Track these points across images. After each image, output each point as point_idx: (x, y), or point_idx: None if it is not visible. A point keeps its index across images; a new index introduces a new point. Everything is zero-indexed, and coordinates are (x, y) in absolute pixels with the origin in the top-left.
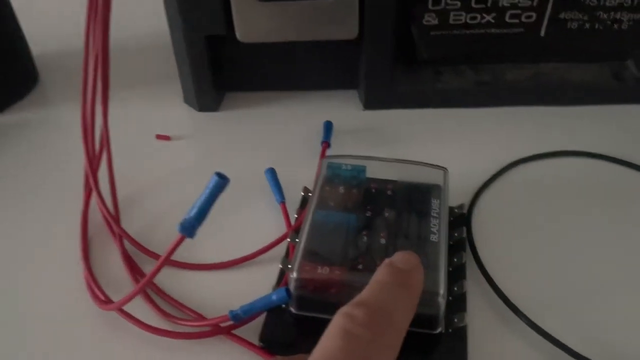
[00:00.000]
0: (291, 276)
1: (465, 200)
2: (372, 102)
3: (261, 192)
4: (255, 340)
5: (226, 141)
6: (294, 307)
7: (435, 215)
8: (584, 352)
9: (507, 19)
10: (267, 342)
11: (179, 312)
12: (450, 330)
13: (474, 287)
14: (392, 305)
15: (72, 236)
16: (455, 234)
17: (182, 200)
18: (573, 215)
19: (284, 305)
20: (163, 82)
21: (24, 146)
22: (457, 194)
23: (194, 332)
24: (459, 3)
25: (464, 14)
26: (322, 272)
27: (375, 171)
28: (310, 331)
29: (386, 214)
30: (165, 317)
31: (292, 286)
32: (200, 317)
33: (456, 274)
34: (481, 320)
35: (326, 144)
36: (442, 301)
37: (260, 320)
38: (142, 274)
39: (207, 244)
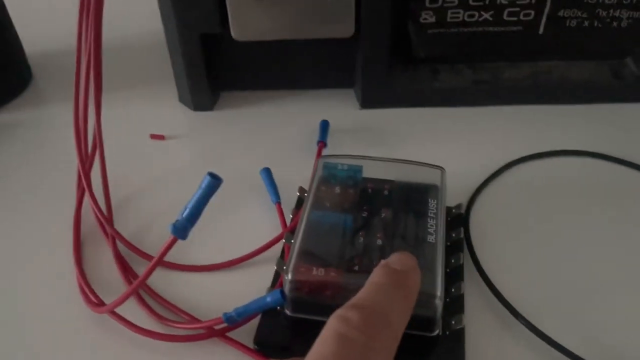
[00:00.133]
0: (286, 278)
1: (463, 200)
2: (368, 101)
3: (256, 192)
4: (249, 343)
5: (221, 141)
6: (289, 309)
7: (432, 215)
8: (583, 355)
9: (505, 17)
10: (262, 345)
11: (173, 315)
12: (447, 332)
13: (471, 289)
14: (388, 307)
15: (65, 237)
16: (453, 235)
17: (176, 201)
18: (572, 216)
19: (278, 308)
20: (157, 81)
21: (17, 146)
22: (454, 194)
23: (187, 334)
24: (456, 1)
25: (461, 11)
26: (318, 273)
27: (371, 171)
28: (305, 334)
29: (383, 215)
30: (158, 320)
31: (286, 288)
32: (194, 319)
33: (453, 275)
34: (479, 322)
35: (322, 143)
36: (439, 303)
37: (255, 322)
38: (135, 276)
39: (201, 245)
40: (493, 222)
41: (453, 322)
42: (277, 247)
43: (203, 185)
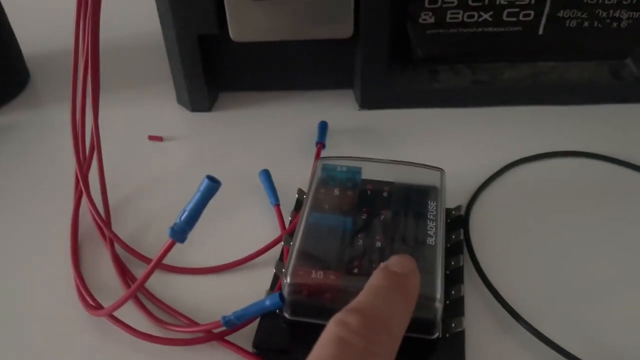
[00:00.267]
0: (285, 281)
1: (463, 201)
2: (367, 102)
3: (255, 194)
4: (248, 347)
5: (219, 142)
6: (288, 312)
7: (432, 217)
8: (584, 357)
9: (504, 17)
10: (261, 348)
11: (171, 318)
12: (447, 335)
13: (471, 291)
14: (387, 311)
15: (64, 238)
16: (453, 236)
17: (175, 202)
18: (573, 217)
19: (277, 311)
20: (155, 82)
21: (14, 147)
22: (454, 195)
23: (186, 338)
24: (456, 1)
25: (461, 12)
26: (317, 276)
27: (370, 172)
28: (304, 337)
29: (382, 217)
30: (156, 323)
31: (285, 291)
32: (193, 322)
33: (453, 278)
34: (479, 324)
35: (321, 144)
36: (439, 306)
37: (254, 325)
38: (134, 279)
39: (200, 247)
40: (493, 223)
41: (453, 325)
42: (276, 250)
43: (201, 189)
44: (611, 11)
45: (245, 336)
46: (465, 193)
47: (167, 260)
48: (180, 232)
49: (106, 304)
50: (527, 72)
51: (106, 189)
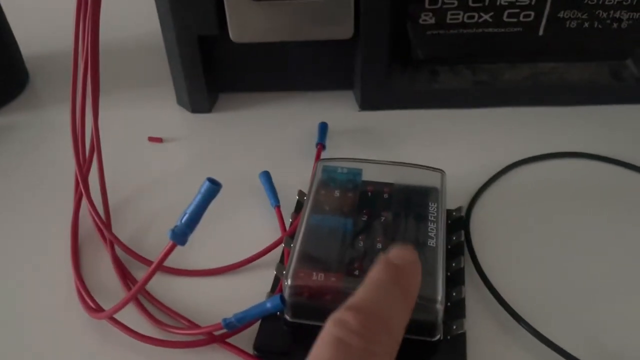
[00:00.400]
0: (285, 283)
1: (464, 203)
2: (367, 103)
3: (255, 196)
4: (249, 349)
5: (220, 143)
6: (289, 314)
7: (432, 218)
8: (586, 358)
9: (505, 18)
10: (262, 351)
11: (172, 320)
12: (448, 337)
13: (472, 293)
14: (387, 309)
15: (64, 240)
16: (453, 238)
17: (175, 204)
18: (574, 218)
19: (278, 313)
20: (155, 83)
21: (14, 148)
22: (455, 197)
23: (187, 340)
24: (456, 2)
25: (461, 13)
26: (317, 278)
27: (371, 174)
28: (305, 339)
29: (383, 218)
30: (157, 325)
31: (286, 293)
32: (194, 325)
33: (454, 279)
34: (480, 326)
35: (321, 145)
36: (440, 307)
37: (255, 328)
38: (134, 281)
39: (201, 249)
40: (494, 225)
41: (454, 327)
42: (277, 252)
43: (202, 191)
44: (611, 12)
45: (246, 338)
46: (466, 194)
47: (167, 262)
48: (181, 235)
49: (106, 306)
50: (528, 72)
51: (106, 191)
